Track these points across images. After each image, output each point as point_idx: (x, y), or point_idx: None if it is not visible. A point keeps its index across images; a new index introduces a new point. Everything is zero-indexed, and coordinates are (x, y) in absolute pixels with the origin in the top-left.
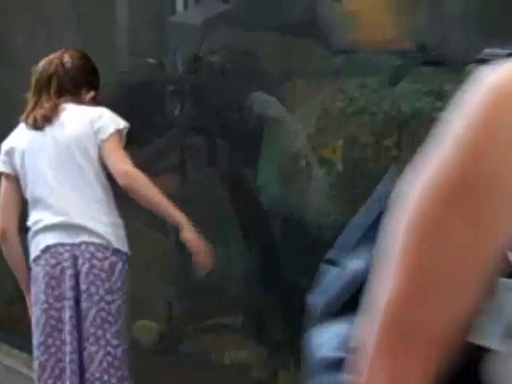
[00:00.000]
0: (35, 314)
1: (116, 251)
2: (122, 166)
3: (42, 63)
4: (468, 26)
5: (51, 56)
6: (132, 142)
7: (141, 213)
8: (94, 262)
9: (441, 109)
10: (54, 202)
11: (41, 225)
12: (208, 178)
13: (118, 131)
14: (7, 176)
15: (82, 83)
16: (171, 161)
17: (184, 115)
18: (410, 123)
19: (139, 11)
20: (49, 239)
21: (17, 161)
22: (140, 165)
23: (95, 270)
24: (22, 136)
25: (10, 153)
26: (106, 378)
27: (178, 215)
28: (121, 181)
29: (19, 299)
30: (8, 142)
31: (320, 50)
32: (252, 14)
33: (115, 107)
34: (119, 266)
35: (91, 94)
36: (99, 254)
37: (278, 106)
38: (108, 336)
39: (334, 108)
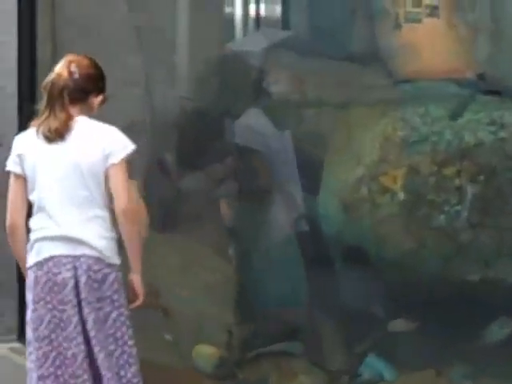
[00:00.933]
0: (38, 311)
1: (110, 264)
2: (125, 199)
3: (51, 77)
4: None
5: (59, 68)
6: (189, 166)
7: (206, 239)
8: (90, 273)
9: (503, 139)
10: (57, 214)
11: (44, 233)
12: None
13: (127, 156)
14: (17, 176)
15: (90, 90)
16: (228, 187)
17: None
18: (472, 152)
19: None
20: (52, 250)
21: (27, 166)
22: (197, 190)
23: (90, 281)
24: (34, 144)
25: (21, 157)
26: (86, 377)
27: (138, 261)
28: (119, 216)
29: None
30: (20, 146)
31: (382, 79)
32: (313, 42)
33: (174, 131)
34: (111, 276)
35: (99, 98)
36: (95, 267)
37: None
38: (100, 336)
39: (395, 136)
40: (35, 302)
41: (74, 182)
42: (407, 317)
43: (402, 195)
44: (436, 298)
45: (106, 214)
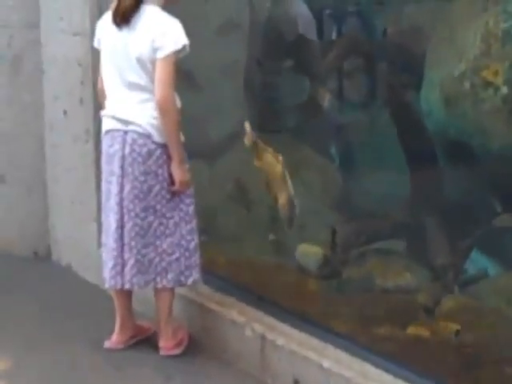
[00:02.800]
0: (102, 182)
1: (156, 142)
2: (162, 92)
3: None
4: None
5: None
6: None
7: (306, 140)
8: (135, 146)
9: None
10: (113, 95)
11: (105, 112)
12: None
13: (175, 52)
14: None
15: None
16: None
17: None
18: None
19: None
20: (108, 125)
21: (101, 49)
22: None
23: (134, 154)
24: (107, 29)
25: (99, 41)
26: (132, 244)
27: (176, 151)
28: (157, 104)
29: None
30: (98, 30)
31: None
32: None
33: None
34: (157, 152)
35: None
36: (140, 141)
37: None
38: (137, 209)
39: (497, 30)
40: (102, 173)
41: (127, 67)
42: None
43: (504, 89)
44: None
45: (152, 101)
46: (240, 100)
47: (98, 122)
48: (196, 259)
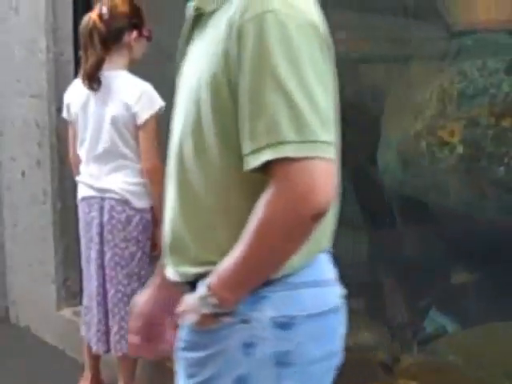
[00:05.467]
0: (81, 247)
1: (134, 208)
2: (148, 161)
3: (84, 20)
4: None
5: (91, 12)
6: None
7: None
8: (113, 213)
9: None
10: (87, 164)
11: (80, 178)
12: None
13: (153, 115)
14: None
15: (122, 28)
16: None
17: None
18: None
19: None
20: (85, 192)
21: (71, 115)
22: None
23: (113, 221)
24: (76, 94)
25: (68, 106)
26: (115, 310)
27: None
28: (146, 174)
29: None
30: (66, 95)
31: (438, 32)
32: None
33: None
34: (136, 219)
35: (134, 34)
36: (119, 208)
37: None
38: (120, 276)
39: (453, 90)
40: (81, 239)
41: (101, 134)
42: (469, 269)
43: (460, 148)
44: (498, 249)
45: (132, 163)
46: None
47: (55, 182)
48: None
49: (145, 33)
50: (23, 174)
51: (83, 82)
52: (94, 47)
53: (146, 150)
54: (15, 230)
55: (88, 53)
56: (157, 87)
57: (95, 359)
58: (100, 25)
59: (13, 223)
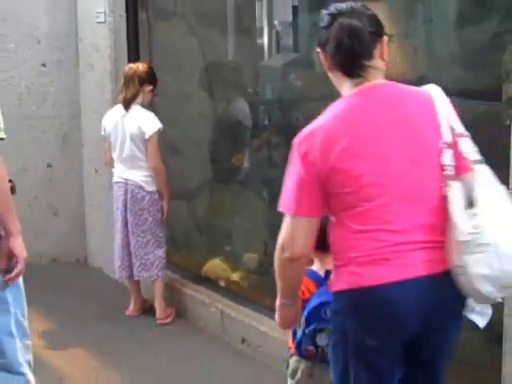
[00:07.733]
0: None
1: (146, 191)
2: (152, 162)
3: (127, 67)
4: None
5: (131, 64)
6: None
7: (248, 188)
8: (133, 194)
9: None
10: (117, 161)
11: (114, 170)
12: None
13: (155, 132)
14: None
15: (145, 80)
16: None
17: (271, 124)
18: None
19: (246, 54)
20: (116, 178)
21: (107, 133)
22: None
23: (133, 198)
24: (109, 118)
25: (104, 128)
26: (136, 253)
27: (166, 193)
28: (152, 169)
29: None
30: (104, 119)
31: None
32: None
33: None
34: (147, 198)
35: (150, 87)
36: (136, 190)
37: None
38: (138, 231)
39: None
40: (114, 205)
41: (128, 144)
42: None
43: None
44: None
45: (143, 163)
46: (206, 162)
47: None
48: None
49: (154, 90)
50: (96, 170)
51: (121, 102)
52: (134, 83)
53: (151, 154)
54: (91, 208)
55: (130, 85)
56: (177, 118)
57: (136, 284)
58: (138, 71)
59: (90, 203)
